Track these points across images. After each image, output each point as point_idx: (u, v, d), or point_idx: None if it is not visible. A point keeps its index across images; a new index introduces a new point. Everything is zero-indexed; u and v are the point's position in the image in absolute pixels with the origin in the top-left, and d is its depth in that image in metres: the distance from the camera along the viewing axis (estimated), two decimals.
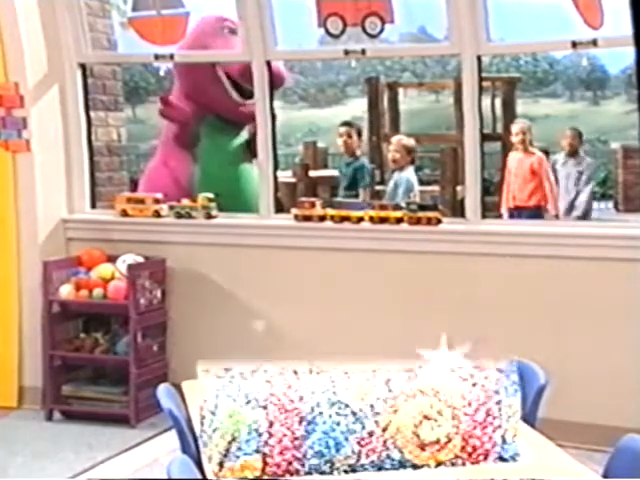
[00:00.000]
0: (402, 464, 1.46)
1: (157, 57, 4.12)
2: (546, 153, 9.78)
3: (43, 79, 4.02)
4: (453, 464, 1.47)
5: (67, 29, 4.04)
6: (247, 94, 4.55)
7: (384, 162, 8.24)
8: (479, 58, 3.60)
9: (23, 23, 3.89)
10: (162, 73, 4.62)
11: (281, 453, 1.42)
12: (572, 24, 3.42)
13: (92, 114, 4.29)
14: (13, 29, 3.85)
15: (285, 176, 6.76)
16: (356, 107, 13.35)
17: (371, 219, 3.77)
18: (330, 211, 3.85)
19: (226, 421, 1.41)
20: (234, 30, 4.41)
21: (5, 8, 3.84)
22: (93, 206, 4.25)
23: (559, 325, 3.48)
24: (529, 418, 1.70)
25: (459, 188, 6.88)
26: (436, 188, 7.41)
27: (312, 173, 7.53)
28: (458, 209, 5.97)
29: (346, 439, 1.42)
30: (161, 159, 4.69)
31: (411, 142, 5.39)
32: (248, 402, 1.41)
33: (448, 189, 7.11)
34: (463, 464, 1.48)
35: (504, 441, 1.49)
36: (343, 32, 3.75)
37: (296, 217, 3.87)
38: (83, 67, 4.17)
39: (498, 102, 8.20)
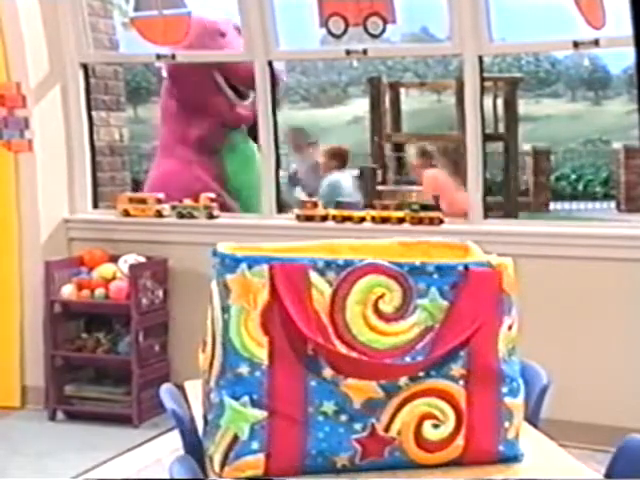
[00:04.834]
0: (404, 464, 1.44)
1: (159, 57, 4.12)
2: (548, 153, 9.80)
3: (45, 79, 4.02)
4: (456, 464, 1.46)
5: (69, 29, 4.04)
6: (242, 95, 4.60)
7: (385, 162, 8.25)
8: (481, 58, 3.61)
9: (25, 23, 3.89)
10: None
11: (283, 452, 1.40)
12: (574, 24, 3.42)
13: (94, 114, 4.29)
14: (15, 29, 3.85)
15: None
16: (358, 107, 13.35)
17: (373, 219, 3.77)
18: (332, 211, 3.87)
19: (228, 420, 1.40)
20: (223, 33, 4.44)
21: (7, 8, 3.85)
22: (95, 206, 4.26)
23: (561, 325, 3.48)
24: (532, 418, 1.69)
25: None
26: None
27: None
28: None
29: (347, 439, 1.41)
30: (180, 162, 4.66)
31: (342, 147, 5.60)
32: (251, 401, 1.39)
33: None
34: (466, 464, 1.46)
35: (507, 441, 1.47)
36: (345, 32, 3.75)
37: (298, 217, 3.89)
38: (85, 67, 4.17)
39: (500, 102, 8.19)
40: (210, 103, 4.61)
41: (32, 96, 3.94)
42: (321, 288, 1.41)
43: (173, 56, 4.09)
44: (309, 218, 3.85)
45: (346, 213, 3.83)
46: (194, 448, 1.55)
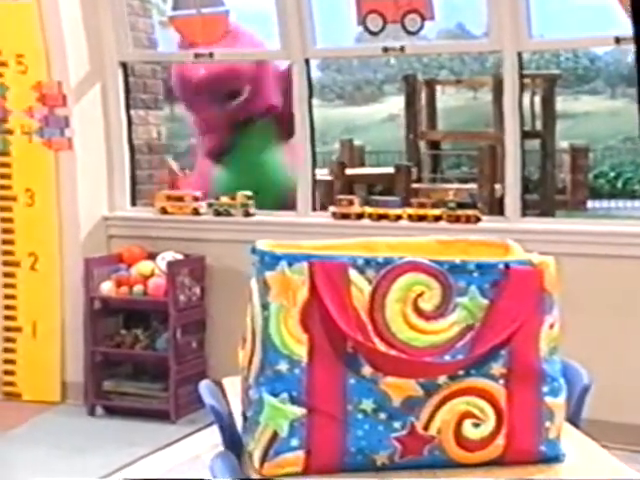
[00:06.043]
0: (444, 463, 1.42)
1: (197, 56, 4.15)
2: (586, 150, 9.68)
3: (85, 78, 4.06)
4: (496, 464, 1.43)
5: (109, 28, 4.08)
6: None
7: (421, 160, 8.23)
8: (520, 55, 3.57)
9: (66, 23, 3.93)
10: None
11: (323, 450, 1.39)
12: (615, 19, 3.37)
13: (132, 112, 4.32)
14: (56, 29, 3.90)
15: (322, 174, 6.78)
16: (393, 105, 13.30)
17: (409, 217, 3.76)
18: (368, 209, 3.86)
19: (267, 417, 1.39)
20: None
21: (49, 8, 3.89)
22: (133, 204, 4.29)
23: (602, 324, 3.44)
24: (573, 418, 1.67)
25: (497, 186, 6.84)
26: (474, 186, 7.38)
27: (349, 171, 7.54)
28: (496, 207, 5.94)
29: (387, 437, 1.39)
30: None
31: None
32: (290, 398, 1.38)
33: (486, 187, 7.08)
34: (506, 464, 1.43)
35: (548, 441, 1.44)
36: (383, 29, 3.74)
37: (334, 215, 3.89)
38: (124, 66, 4.21)
39: (537, 99, 8.13)
40: None
41: (72, 95, 3.98)
42: (360, 286, 1.40)
43: (211, 54, 4.11)
44: (345, 216, 3.85)
45: (382, 211, 3.82)
46: (233, 444, 1.56)
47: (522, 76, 3.65)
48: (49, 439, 3.61)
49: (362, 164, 8.51)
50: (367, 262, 1.41)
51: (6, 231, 4.07)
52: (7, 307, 4.08)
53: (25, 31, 3.91)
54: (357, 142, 8.84)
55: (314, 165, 4.08)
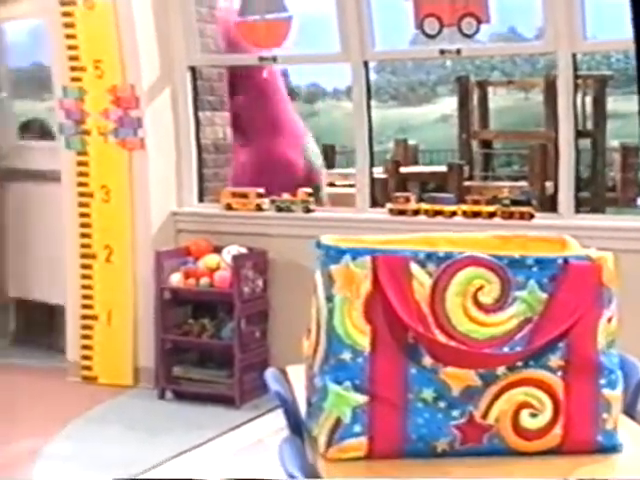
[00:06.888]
0: (503, 451, 1.45)
1: (261, 59, 4.32)
2: (637, 149, 9.63)
3: (157, 81, 4.27)
4: (554, 453, 1.46)
5: (179, 35, 4.27)
6: None
7: (473, 158, 8.31)
8: (574, 56, 3.63)
9: (140, 30, 4.14)
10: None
11: (385, 436, 1.43)
12: None
13: (200, 114, 4.50)
14: (130, 35, 4.11)
15: (377, 172, 6.90)
16: (446, 105, 13.35)
17: (464, 213, 3.84)
18: (424, 205, 3.96)
19: (331, 404, 1.44)
20: None
21: (124, 16, 4.11)
22: (200, 200, 4.47)
23: None
24: (629, 410, 1.65)
25: (548, 184, 6.90)
26: (524, 184, 7.44)
27: (403, 169, 7.66)
28: (547, 204, 6.00)
29: (446, 425, 1.44)
30: None
31: None
32: (353, 386, 1.43)
33: (537, 185, 7.13)
34: (564, 453, 1.46)
35: (606, 432, 1.47)
36: (439, 32, 3.84)
37: (391, 211, 4.02)
38: (193, 70, 4.39)
39: (589, 99, 8.13)
40: None
41: (145, 97, 4.18)
42: (421, 279, 1.44)
43: (274, 58, 4.28)
44: (401, 212, 3.97)
45: (437, 207, 3.91)
46: (297, 428, 1.59)
47: (577, 77, 3.72)
48: (123, 420, 3.81)
49: (416, 162, 8.61)
50: (428, 256, 1.45)
51: (84, 225, 4.29)
52: (84, 297, 4.31)
53: (102, 38, 4.13)
54: (411, 141, 8.92)
55: (371, 164, 4.21)
